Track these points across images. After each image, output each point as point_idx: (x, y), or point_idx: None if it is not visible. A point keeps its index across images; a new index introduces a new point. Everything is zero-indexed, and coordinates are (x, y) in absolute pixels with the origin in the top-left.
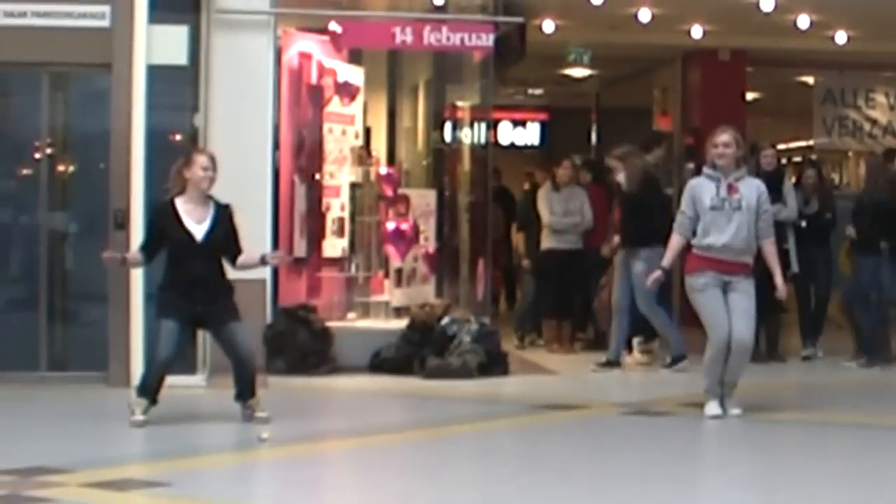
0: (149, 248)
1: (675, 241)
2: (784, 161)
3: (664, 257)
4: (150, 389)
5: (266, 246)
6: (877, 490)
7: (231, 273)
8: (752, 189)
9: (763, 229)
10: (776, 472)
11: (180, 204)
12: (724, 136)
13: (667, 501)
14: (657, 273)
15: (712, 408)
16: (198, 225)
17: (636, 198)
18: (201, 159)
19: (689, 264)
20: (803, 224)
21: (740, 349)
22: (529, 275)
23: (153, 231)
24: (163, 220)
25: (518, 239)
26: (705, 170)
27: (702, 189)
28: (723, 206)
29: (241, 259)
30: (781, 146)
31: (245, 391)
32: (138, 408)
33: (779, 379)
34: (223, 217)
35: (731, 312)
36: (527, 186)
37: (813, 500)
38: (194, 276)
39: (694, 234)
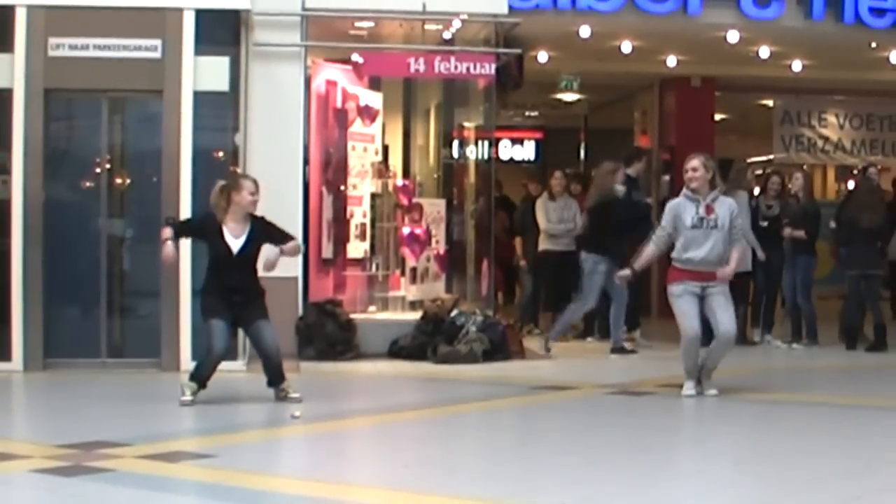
0: (179, 231)
1: (650, 251)
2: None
3: (638, 262)
4: (202, 378)
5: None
6: (833, 462)
7: (267, 272)
8: (725, 208)
9: (735, 239)
10: (744, 446)
11: (226, 221)
12: (692, 162)
13: (647, 470)
14: (626, 272)
15: (688, 388)
16: (236, 240)
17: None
18: (248, 185)
19: (670, 276)
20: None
21: (725, 339)
22: (527, 273)
23: (191, 225)
24: (208, 229)
25: (517, 242)
26: (685, 192)
27: (683, 210)
28: (701, 225)
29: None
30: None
31: (275, 378)
32: (188, 390)
33: (750, 363)
34: (258, 230)
35: (714, 311)
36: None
37: (775, 470)
38: (232, 284)
39: (673, 247)
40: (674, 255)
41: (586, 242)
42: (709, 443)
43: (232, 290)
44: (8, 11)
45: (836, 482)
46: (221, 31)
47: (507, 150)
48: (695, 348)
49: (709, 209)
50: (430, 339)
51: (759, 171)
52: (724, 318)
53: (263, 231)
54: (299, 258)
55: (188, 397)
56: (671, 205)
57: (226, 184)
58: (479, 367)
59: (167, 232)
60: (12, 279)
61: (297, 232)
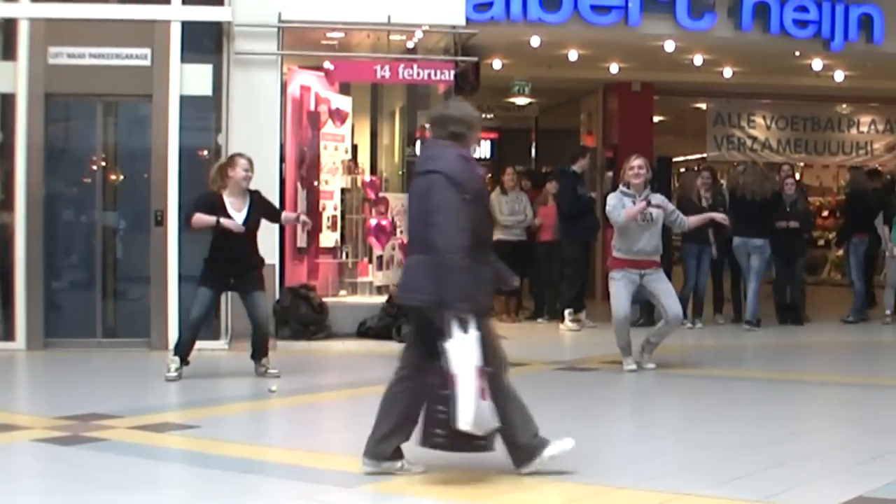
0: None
1: (625, 212)
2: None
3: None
4: (183, 348)
5: (274, 238)
6: (761, 430)
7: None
8: (657, 203)
9: (679, 222)
10: (680, 416)
11: (225, 196)
12: (638, 161)
13: (591, 438)
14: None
15: (629, 363)
16: (238, 213)
17: None
18: (243, 162)
19: (612, 264)
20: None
21: (674, 321)
22: None
23: (201, 208)
24: (213, 205)
25: None
26: (621, 188)
27: (623, 202)
28: (638, 220)
29: (283, 217)
30: (681, 158)
31: (259, 351)
32: (173, 365)
33: (686, 341)
34: (256, 202)
35: (659, 297)
36: None
37: (708, 438)
38: (233, 255)
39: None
40: (614, 243)
41: None
42: (648, 413)
43: (232, 260)
44: (11, 23)
45: (763, 449)
46: (205, 41)
47: None
48: (624, 328)
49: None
50: (395, 320)
51: (695, 168)
52: (670, 302)
53: (261, 204)
54: (276, 247)
55: (173, 374)
56: (615, 194)
57: (222, 162)
58: None
59: (204, 216)
60: (16, 267)
61: (273, 224)
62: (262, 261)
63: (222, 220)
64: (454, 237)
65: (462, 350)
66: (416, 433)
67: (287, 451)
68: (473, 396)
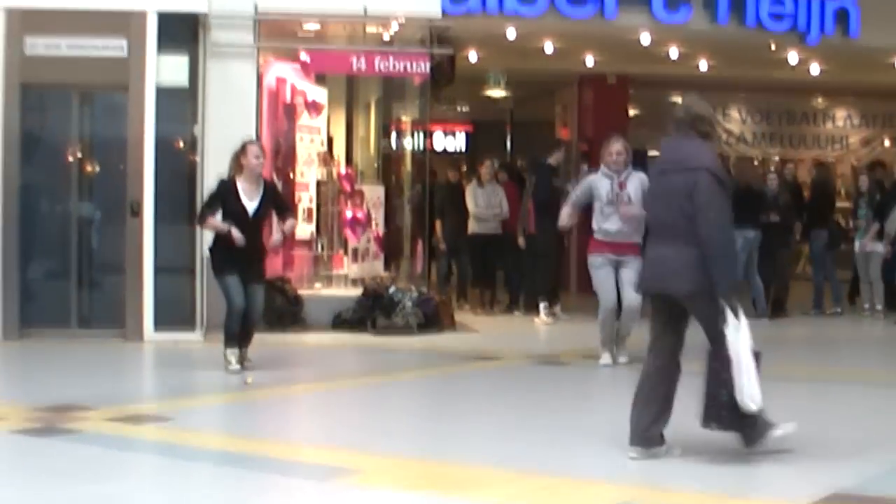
0: (213, 210)
1: (566, 210)
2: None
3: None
4: (234, 337)
5: None
6: None
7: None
8: (636, 183)
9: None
10: None
11: (239, 183)
12: (616, 146)
13: (564, 427)
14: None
15: (605, 358)
16: (251, 201)
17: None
18: (254, 149)
19: (590, 246)
20: None
21: (630, 311)
22: (444, 254)
23: (216, 199)
24: (225, 194)
25: (436, 225)
26: (602, 169)
27: (599, 184)
28: (616, 199)
29: (276, 236)
30: (656, 152)
31: (243, 339)
32: (233, 357)
33: None
34: (270, 192)
35: (622, 284)
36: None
37: (676, 431)
38: (242, 244)
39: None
40: (594, 226)
41: None
42: (617, 406)
43: (239, 248)
44: None
45: (735, 443)
46: (181, 32)
47: (440, 141)
48: (610, 320)
49: (622, 185)
50: (370, 312)
51: None
52: (628, 292)
53: (273, 195)
54: None
55: (235, 365)
56: (589, 179)
57: (237, 150)
58: (414, 339)
59: (217, 221)
60: None
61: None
62: (266, 251)
63: (233, 231)
64: (726, 231)
65: (739, 334)
66: (699, 413)
67: (261, 443)
68: (756, 377)
